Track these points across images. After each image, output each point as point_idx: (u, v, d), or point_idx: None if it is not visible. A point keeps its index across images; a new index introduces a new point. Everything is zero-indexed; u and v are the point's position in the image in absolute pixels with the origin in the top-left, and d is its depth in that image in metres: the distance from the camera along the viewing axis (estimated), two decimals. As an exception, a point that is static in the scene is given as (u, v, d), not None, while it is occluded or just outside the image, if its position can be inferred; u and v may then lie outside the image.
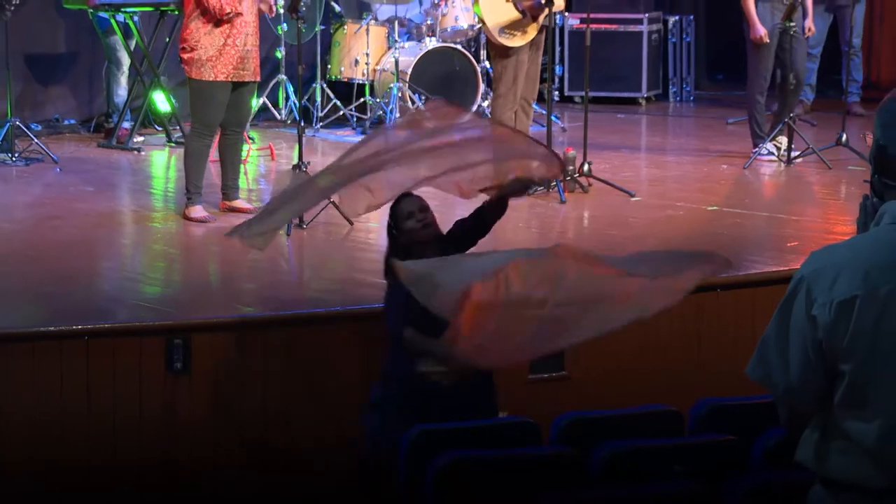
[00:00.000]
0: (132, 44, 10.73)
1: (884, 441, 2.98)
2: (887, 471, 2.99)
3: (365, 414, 5.51)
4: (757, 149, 9.86)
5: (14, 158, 9.86)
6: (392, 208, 5.39)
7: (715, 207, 8.53)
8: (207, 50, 7.80)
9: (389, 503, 5.08)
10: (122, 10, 10.56)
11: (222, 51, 7.80)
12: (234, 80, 7.90)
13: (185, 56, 7.91)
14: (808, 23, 10.04)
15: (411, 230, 5.32)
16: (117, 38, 10.73)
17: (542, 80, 9.69)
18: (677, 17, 13.41)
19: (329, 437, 5.98)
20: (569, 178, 8.53)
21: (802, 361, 3.04)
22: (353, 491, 5.73)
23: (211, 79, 7.84)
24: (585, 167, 8.71)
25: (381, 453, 5.20)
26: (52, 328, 5.94)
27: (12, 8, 9.90)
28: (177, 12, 10.42)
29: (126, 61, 10.82)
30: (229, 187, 8.19)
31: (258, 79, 8.24)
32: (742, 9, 9.77)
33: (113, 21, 10.63)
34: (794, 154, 9.77)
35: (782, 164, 9.74)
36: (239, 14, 7.78)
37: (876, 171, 3.11)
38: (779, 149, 9.84)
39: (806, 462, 3.13)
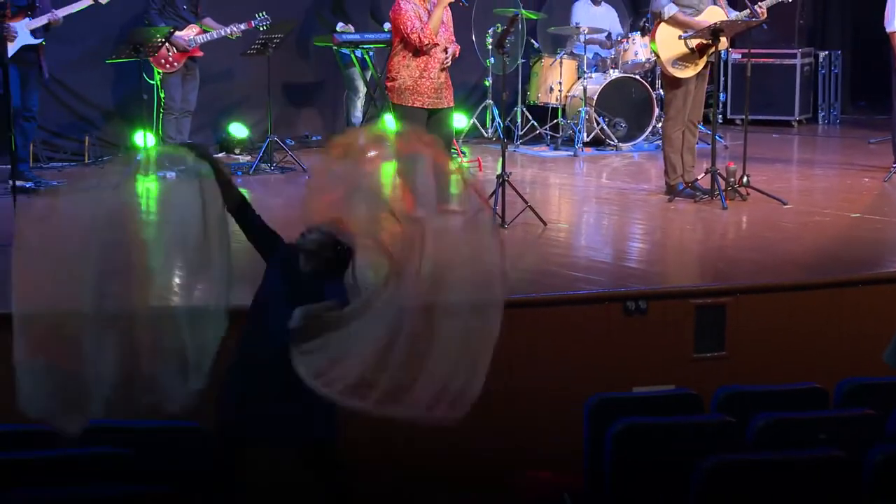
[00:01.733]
0: (367, 74, 10.89)
1: None
2: None
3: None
4: (896, 164, 9.60)
5: (272, 167, 10.08)
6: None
7: (857, 214, 8.30)
8: (406, 80, 7.83)
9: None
10: (360, 46, 10.73)
11: (418, 82, 7.83)
12: (430, 107, 7.91)
13: (389, 84, 7.96)
14: None
15: (313, 241, 4.64)
16: (355, 70, 10.90)
17: (708, 106, 9.56)
18: (827, 52, 13.26)
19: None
20: (730, 187, 8.43)
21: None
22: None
23: (409, 104, 7.88)
24: (745, 179, 8.58)
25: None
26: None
27: (273, 46, 10.14)
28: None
29: (362, 89, 10.98)
30: (442, 195, 8.21)
31: (452, 104, 8.12)
32: (891, 44, 9.49)
33: (353, 56, 10.81)
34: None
35: (918, 178, 9.45)
36: (436, 45, 7.79)
37: None
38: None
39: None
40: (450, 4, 7.84)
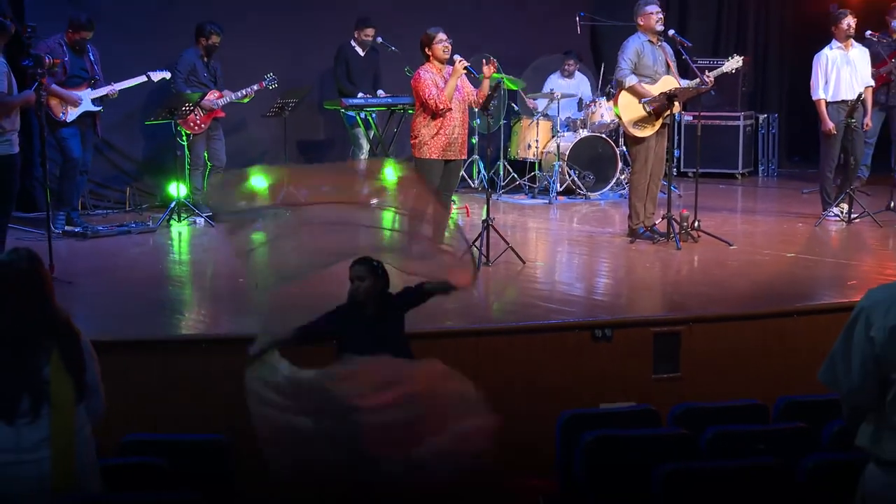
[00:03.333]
0: (371, 133, 10.92)
1: (925, 432, 2.87)
2: (927, 455, 2.88)
3: None
4: (826, 211, 9.63)
5: (287, 213, 10.06)
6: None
7: (793, 254, 8.32)
8: (425, 137, 7.86)
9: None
10: (365, 109, 10.78)
11: (435, 137, 7.86)
12: (444, 158, 7.95)
13: (412, 141, 7.98)
14: (867, 120, 9.82)
15: (355, 289, 4.88)
16: (360, 130, 10.93)
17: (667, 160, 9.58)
18: (765, 115, 13.35)
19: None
20: (683, 231, 8.45)
21: (862, 371, 2.95)
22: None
23: (427, 157, 7.90)
24: (696, 223, 8.60)
25: None
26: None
27: (289, 109, 10.19)
28: (401, 111, 10.59)
29: (366, 146, 11.00)
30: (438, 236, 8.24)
31: (464, 156, 8.15)
32: (816, 110, 9.59)
33: (358, 117, 10.84)
34: (853, 216, 9.50)
35: (844, 224, 9.47)
36: (449, 109, 7.83)
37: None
38: (842, 212, 9.59)
39: (864, 446, 3.04)
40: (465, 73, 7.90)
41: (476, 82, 8.02)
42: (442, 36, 7.86)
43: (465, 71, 7.82)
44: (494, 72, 8.06)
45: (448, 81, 7.80)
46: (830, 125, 9.47)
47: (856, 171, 9.77)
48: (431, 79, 7.80)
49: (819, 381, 3.12)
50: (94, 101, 9.04)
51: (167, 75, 9.59)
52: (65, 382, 3.58)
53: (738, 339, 6.39)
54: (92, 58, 9.07)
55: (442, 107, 7.75)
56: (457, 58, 7.82)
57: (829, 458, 4.03)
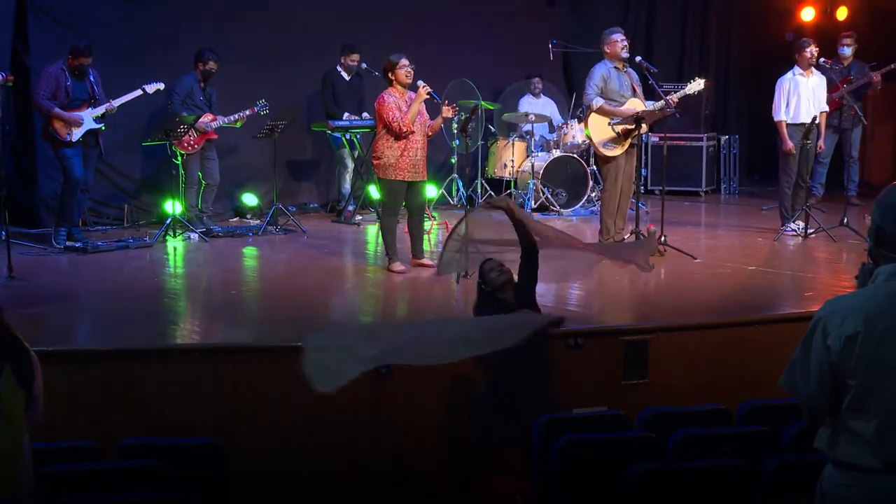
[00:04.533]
0: (355, 154, 10.93)
1: (879, 435, 2.90)
2: (881, 456, 2.90)
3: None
4: (784, 227, 9.69)
5: (277, 229, 10.08)
6: (480, 270, 5.42)
7: (753, 267, 8.34)
8: (388, 158, 7.87)
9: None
10: (350, 131, 10.78)
11: (399, 160, 7.86)
12: (409, 180, 7.95)
13: (375, 162, 7.99)
14: (820, 142, 9.94)
15: (495, 280, 5.32)
16: (345, 150, 10.94)
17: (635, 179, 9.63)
18: (727, 136, 13.42)
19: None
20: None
21: (820, 377, 2.97)
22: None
23: (392, 178, 7.90)
24: (662, 238, 8.63)
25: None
26: (299, 344, 5.93)
27: (279, 131, 10.19)
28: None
29: (350, 165, 11.01)
30: (417, 251, 8.25)
31: (426, 178, 8.17)
32: (777, 130, 9.66)
33: (343, 139, 10.86)
34: (809, 231, 9.56)
35: (801, 238, 9.53)
36: (412, 132, 7.85)
37: (873, 244, 3.04)
38: (799, 227, 9.64)
39: (822, 448, 3.05)
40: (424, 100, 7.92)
41: (437, 108, 8.03)
42: (405, 62, 7.90)
43: (427, 96, 7.85)
44: (455, 113, 8.10)
45: (411, 106, 7.82)
46: (790, 145, 9.56)
47: (804, 189, 9.84)
48: (395, 102, 7.82)
49: (780, 387, 3.13)
50: (95, 119, 9.00)
51: (161, 86, 9.52)
52: (17, 395, 3.54)
53: (703, 347, 6.41)
54: (92, 79, 9.05)
55: (405, 129, 7.76)
56: (420, 83, 7.85)
57: (789, 459, 4.04)
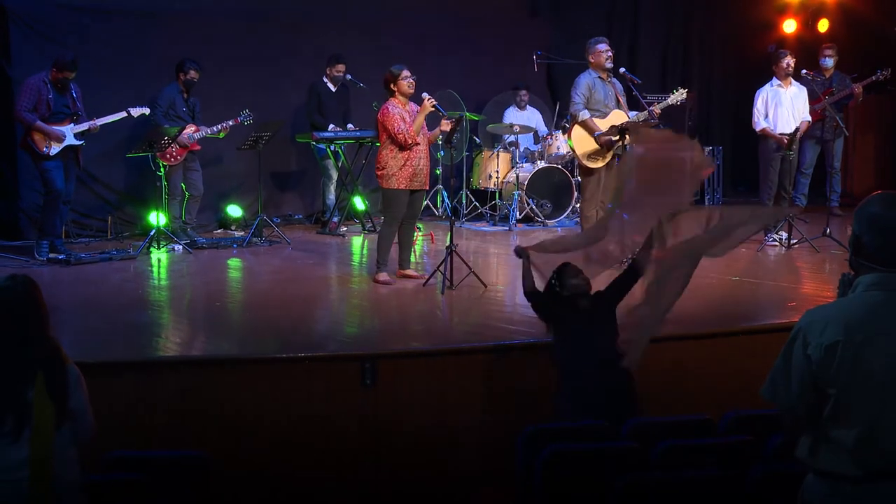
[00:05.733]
0: (340, 164, 10.94)
1: (859, 444, 2.92)
2: (862, 465, 2.92)
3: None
4: (767, 237, 9.73)
5: (262, 241, 10.08)
6: (559, 273, 5.58)
7: (737, 278, 8.38)
8: (392, 168, 7.90)
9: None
10: (334, 142, 10.80)
11: (402, 168, 7.90)
12: (410, 188, 7.98)
13: (379, 172, 8.01)
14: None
15: (576, 286, 5.49)
16: (330, 161, 10.96)
17: (616, 189, 9.70)
18: (711, 147, 13.40)
19: (468, 428, 5.95)
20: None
21: (800, 387, 2.99)
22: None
23: (395, 187, 7.93)
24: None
25: None
26: (284, 355, 6.00)
27: (264, 142, 10.20)
28: (369, 143, 10.62)
29: (335, 176, 11.03)
30: (404, 260, 8.26)
31: (427, 187, 8.26)
32: (761, 140, 9.74)
33: (328, 150, 10.87)
34: (792, 242, 9.62)
35: (784, 249, 9.59)
36: (417, 143, 7.89)
37: (853, 254, 3.07)
38: (782, 238, 9.70)
39: (803, 457, 3.07)
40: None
41: (436, 118, 8.09)
42: (406, 73, 7.94)
43: (432, 109, 7.88)
44: (451, 126, 8.14)
45: (416, 117, 7.88)
46: (780, 139, 9.62)
47: (786, 200, 9.90)
48: (399, 113, 7.85)
49: (762, 397, 3.15)
50: (76, 136, 8.98)
51: (146, 111, 9.56)
52: (47, 407, 3.56)
53: (687, 358, 6.43)
54: (74, 94, 9.02)
55: (410, 141, 7.80)
56: (426, 96, 7.89)
57: (772, 469, 4.06)
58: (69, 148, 8.98)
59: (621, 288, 5.59)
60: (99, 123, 9.12)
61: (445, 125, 8.08)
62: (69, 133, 8.93)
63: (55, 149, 8.88)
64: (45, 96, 8.82)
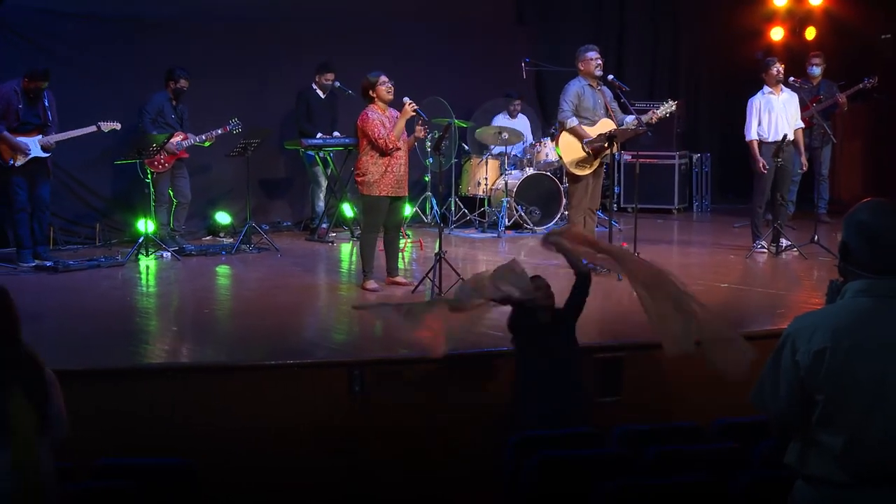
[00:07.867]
0: (328, 171, 10.93)
1: (848, 449, 2.93)
2: (850, 470, 2.93)
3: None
4: (755, 244, 9.76)
5: (250, 248, 10.07)
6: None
7: (726, 284, 8.41)
8: (373, 175, 7.89)
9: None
10: (323, 149, 10.80)
11: (384, 175, 7.90)
12: (391, 195, 7.99)
13: (359, 179, 8.00)
14: (803, 159, 10.10)
15: (536, 298, 5.52)
16: (319, 168, 10.96)
17: (605, 196, 9.71)
18: (699, 154, 13.48)
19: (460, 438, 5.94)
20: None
21: (789, 392, 3.00)
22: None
23: (376, 194, 7.93)
24: (636, 256, 8.67)
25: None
26: (272, 362, 6.00)
27: (252, 149, 10.19)
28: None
29: (324, 183, 11.02)
30: (392, 268, 8.26)
31: (406, 194, 8.26)
32: (750, 149, 9.75)
33: (317, 156, 10.87)
34: (781, 248, 9.64)
35: (772, 256, 9.62)
36: (398, 149, 7.90)
37: (842, 260, 3.08)
38: (772, 245, 9.72)
39: (791, 463, 3.08)
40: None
41: (415, 123, 8.08)
42: (384, 78, 7.96)
43: (413, 113, 7.88)
44: (425, 134, 8.15)
45: (396, 122, 7.87)
46: (762, 162, 9.64)
47: (784, 208, 9.93)
48: (378, 119, 7.86)
49: (750, 403, 3.16)
50: (43, 149, 8.89)
51: (117, 126, 9.40)
52: (27, 414, 3.53)
53: (676, 365, 6.40)
54: (46, 104, 8.90)
55: (391, 146, 7.81)
56: (406, 100, 7.89)
57: (761, 474, 4.08)
58: (35, 160, 8.89)
59: (574, 302, 5.67)
60: (63, 137, 8.98)
61: (419, 132, 8.07)
62: (35, 145, 8.83)
63: (20, 161, 8.79)
64: (15, 106, 8.73)
